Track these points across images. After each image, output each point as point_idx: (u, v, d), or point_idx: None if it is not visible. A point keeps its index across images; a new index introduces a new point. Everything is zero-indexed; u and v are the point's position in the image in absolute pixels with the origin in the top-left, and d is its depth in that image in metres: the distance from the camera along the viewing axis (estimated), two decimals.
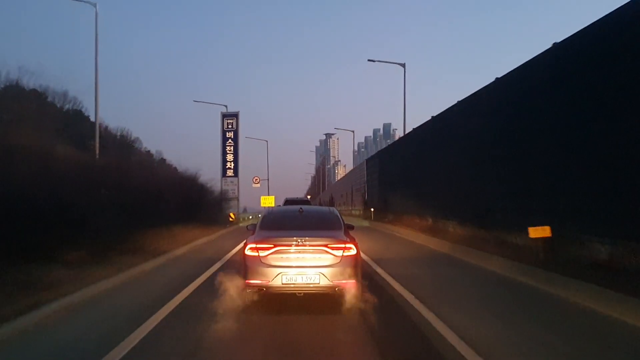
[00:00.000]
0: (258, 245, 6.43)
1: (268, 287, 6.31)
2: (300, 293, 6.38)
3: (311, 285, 6.25)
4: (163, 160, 46.22)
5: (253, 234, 7.03)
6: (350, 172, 48.83)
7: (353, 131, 54.98)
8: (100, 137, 20.78)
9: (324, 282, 6.23)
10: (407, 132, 24.72)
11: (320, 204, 70.36)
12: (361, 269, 6.83)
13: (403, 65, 27.31)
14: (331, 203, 57.12)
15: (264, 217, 7.65)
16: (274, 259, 6.33)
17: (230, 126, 32.70)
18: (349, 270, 6.32)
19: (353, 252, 6.41)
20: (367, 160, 33.20)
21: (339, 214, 7.74)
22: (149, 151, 50.10)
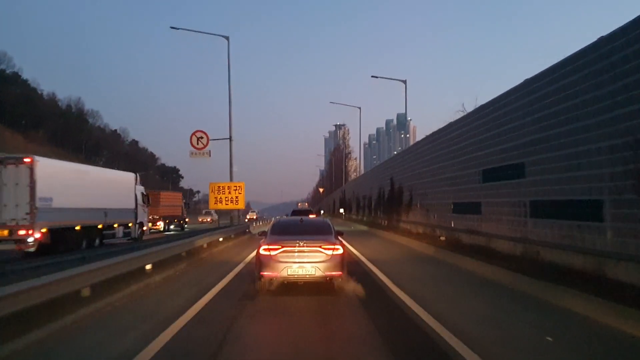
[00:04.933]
0: (270, 247, 8.73)
1: (278, 277, 8.64)
2: (301, 282, 8.71)
3: (308, 276, 8.55)
4: None
5: (265, 237, 9.35)
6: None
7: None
8: None
9: (318, 273, 8.52)
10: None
11: (344, 204, 50.31)
12: (347, 263, 9.09)
13: None
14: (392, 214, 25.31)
15: (273, 226, 9.94)
16: (282, 257, 8.60)
17: None
18: (337, 265, 8.61)
19: (340, 251, 8.72)
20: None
21: (330, 223, 10.03)
22: None
